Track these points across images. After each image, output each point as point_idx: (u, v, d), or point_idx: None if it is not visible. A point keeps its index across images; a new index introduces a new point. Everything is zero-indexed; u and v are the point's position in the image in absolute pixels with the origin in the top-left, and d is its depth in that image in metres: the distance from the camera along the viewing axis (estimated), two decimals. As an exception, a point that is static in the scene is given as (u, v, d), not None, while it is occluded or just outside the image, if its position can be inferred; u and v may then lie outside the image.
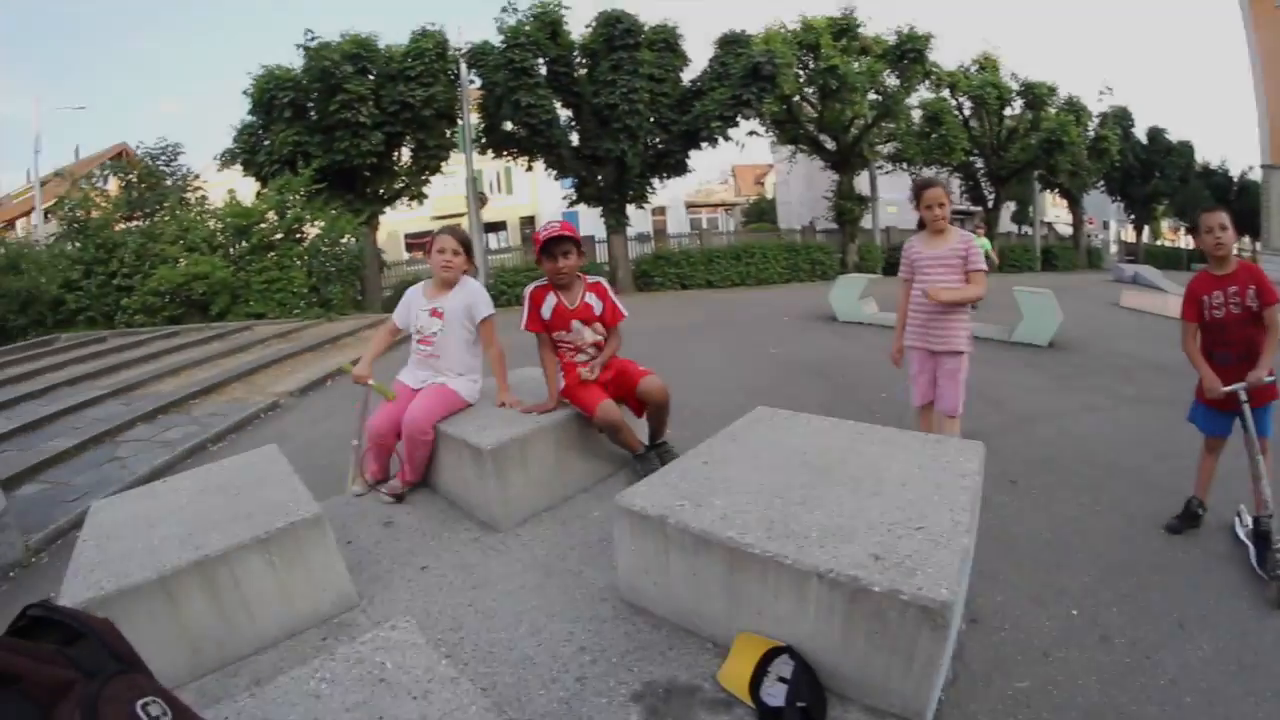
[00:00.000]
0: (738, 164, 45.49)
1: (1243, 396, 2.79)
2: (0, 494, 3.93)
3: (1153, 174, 31.08)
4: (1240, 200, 35.99)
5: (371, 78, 15.00)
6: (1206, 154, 41.63)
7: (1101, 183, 28.85)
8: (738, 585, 1.81)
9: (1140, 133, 30.81)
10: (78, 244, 14.72)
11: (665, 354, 7.94)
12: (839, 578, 1.61)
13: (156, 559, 1.95)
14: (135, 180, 17.74)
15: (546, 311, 2.97)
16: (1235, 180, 37.67)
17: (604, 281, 3.11)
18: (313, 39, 14.93)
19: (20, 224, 24.57)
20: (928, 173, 21.21)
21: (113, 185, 18.02)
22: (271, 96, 14.93)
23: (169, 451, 5.73)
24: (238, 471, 2.64)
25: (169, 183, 17.68)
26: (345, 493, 3.16)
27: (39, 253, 15.94)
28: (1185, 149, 32.87)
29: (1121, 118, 27.65)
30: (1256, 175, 31.95)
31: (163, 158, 18.45)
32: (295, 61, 15.14)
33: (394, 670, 1.39)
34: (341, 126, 14.58)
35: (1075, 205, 26.73)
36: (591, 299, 3.03)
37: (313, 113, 15.14)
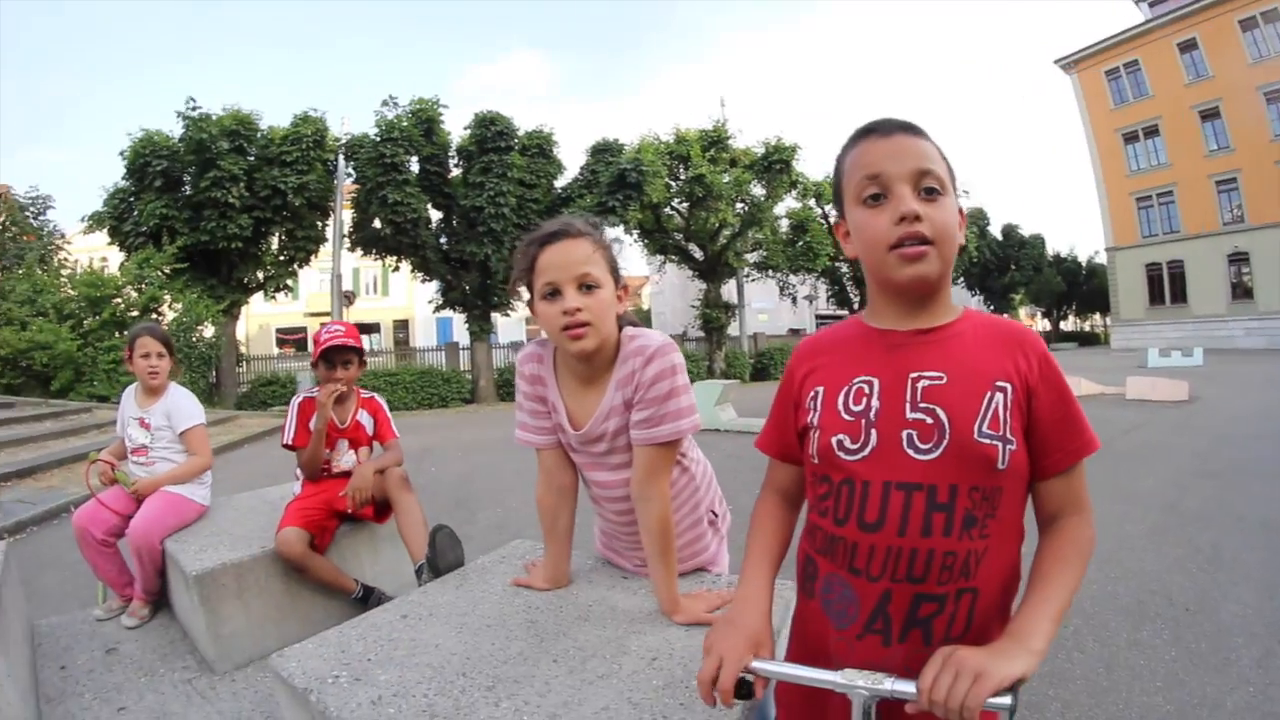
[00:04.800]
0: (616, 275, 47.39)
1: None
2: None
3: (1009, 267, 34.70)
4: (1089, 282, 40.64)
5: (251, 158, 15.02)
6: (1057, 244, 47.31)
7: (961, 279, 31.79)
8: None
9: (995, 229, 34.33)
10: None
11: (500, 468, 7.69)
12: None
13: None
14: (2, 227, 17.30)
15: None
16: (1084, 265, 42.28)
17: (379, 396, 2.89)
18: (194, 108, 14.81)
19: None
20: (794, 279, 22.68)
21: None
22: (146, 163, 14.67)
23: (-40, 537, 5.08)
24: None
25: (31, 238, 17.28)
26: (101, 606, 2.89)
27: None
28: (1037, 241, 36.82)
29: (978, 218, 31.06)
30: (1102, 259, 36.03)
31: (31, 209, 18.11)
32: (175, 129, 14.94)
33: None
34: (211, 205, 14.50)
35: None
36: (365, 417, 2.79)
37: (185, 186, 15.00)
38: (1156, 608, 3.28)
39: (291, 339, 31.24)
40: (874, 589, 0.89)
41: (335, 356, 2.64)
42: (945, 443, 0.87)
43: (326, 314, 24.77)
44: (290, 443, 2.68)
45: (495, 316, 17.51)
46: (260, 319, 28.32)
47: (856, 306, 25.20)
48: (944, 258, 0.90)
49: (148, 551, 2.59)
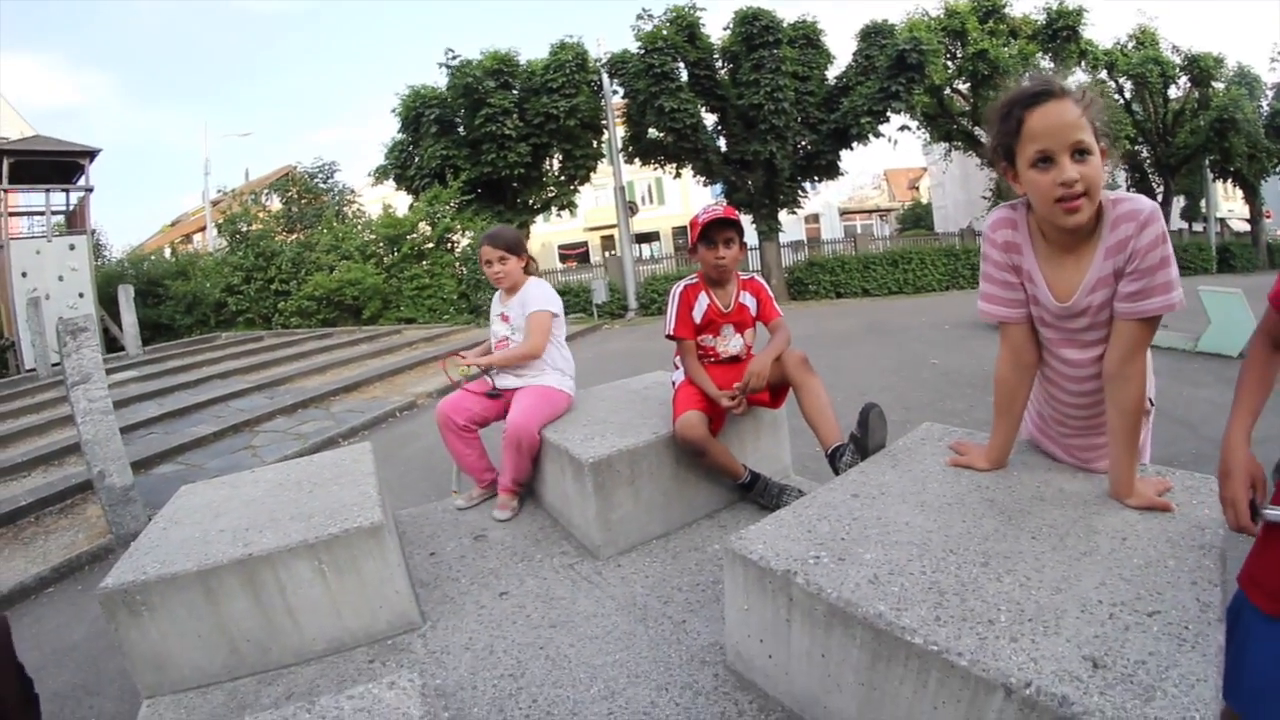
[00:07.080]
0: (890, 168, 44.08)
1: None
2: (129, 471, 4.21)
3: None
4: None
5: (515, 92, 15.36)
6: None
7: (1280, 166, 25.50)
8: (881, 682, 1.28)
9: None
10: (239, 253, 15.98)
11: (816, 365, 7.48)
12: (1039, 696, 1.04)
13: (205, 550, 1.87)
14: (295, 197, 19.17)
15: (698, 314, 2.56)
16: None
17: (759, 277, 2.74)
18: (454, 57, 15.43)
19: (197, 238, 27.12)
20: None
21: (275, 203, 19.54)
22: (418, 114, 15.57)
23: (301, 443, 5.85)
24: (322, 468, 2.53)
25: (326, 199, 18.99)
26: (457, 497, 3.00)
27: (205, 260, 17.59)
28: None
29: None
30: None
31: (319, 175, 19.86)
32: (439, 81, 15.74)
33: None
34: (488, 140, 15.02)
35: (1253, 196, 23.69)
36: (747, 299, 2.63)
37: (459, 128, 15.70)
38: None
39: (573, 253, 33.36)
40: None
41: (716, 234, 2.48)
42: None
43: (607, 225, 26.87)
44: (672, 333, 2.59)
45: (781, 215, 16.80)
46: (541, 238, 29.49)
47: (1161, 199, 21.35)
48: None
49: (527, 440, 2.63)
